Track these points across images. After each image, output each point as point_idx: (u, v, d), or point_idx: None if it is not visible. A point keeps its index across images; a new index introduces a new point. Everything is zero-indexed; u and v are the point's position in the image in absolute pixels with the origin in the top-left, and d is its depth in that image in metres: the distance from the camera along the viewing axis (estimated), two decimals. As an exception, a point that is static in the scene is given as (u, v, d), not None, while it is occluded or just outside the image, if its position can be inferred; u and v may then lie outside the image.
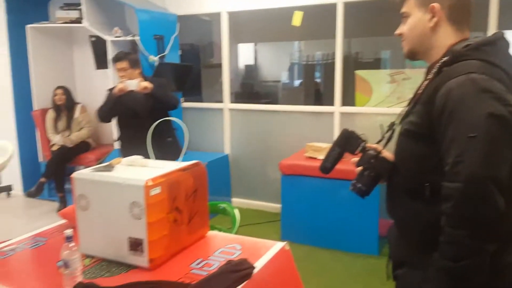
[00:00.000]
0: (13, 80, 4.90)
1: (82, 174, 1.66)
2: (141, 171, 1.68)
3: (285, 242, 1.76)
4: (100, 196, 1.62)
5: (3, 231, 3.55)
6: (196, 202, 1.80)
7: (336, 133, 4.04)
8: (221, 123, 4.61)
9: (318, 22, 4.28)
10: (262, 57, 5.43)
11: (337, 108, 4.03)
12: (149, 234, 1.55)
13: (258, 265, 1.58)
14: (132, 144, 2.81)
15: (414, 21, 1.34)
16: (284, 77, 5.28)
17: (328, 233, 3.47)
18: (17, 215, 4.58)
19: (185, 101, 4.73)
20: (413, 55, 1.41)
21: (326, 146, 3.58)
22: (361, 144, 1.49)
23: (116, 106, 3.31)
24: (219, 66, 4.66)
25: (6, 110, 4.97)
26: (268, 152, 4.43)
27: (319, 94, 4.85)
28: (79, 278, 1.44)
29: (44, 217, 4.36)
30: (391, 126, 1.47)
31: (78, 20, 4.59)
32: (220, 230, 2.34)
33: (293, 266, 1.75)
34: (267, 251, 1.70)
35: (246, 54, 5.35)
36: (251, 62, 5.33)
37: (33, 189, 4.56)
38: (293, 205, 3.61)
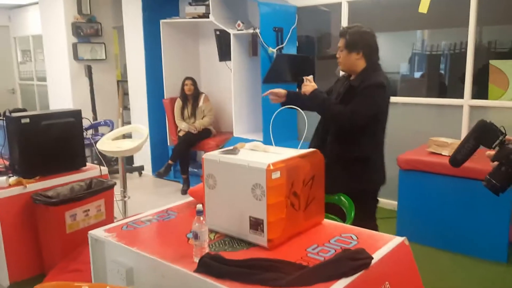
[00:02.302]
0: (146, 71, 5.45)
1: (211, 156, 1.79)
2: (263, 155, 1.76)
3: (404, 237, 1.70)
4: (226, 177, 1.73)
5: (136, 206, 4.02)
6: (313, 189, 1.83)
7: (464, 128, 3.73)
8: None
9: (446, 9, 3.97)
10: (380, 48, 5.22)
11: (467, 101, 3.71)
12: (269, 215, 1.62)
13: (376, 257, 1.55)
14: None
15: None
16: (404, 68, 5.01)
17: (450, 235, 3.23)
18: (147, 192, 5.10)
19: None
20: None
21: (452, 141, 3.33)
22: (500, 137, 1.36)
23: None
24: (334, 57, 4.60)
25: (141, 98, 5.56)
26: (386, 146, 4.25)
27: (444, 87, 4.51)
28: (206, 250, 1.57)
29: (170, 196, 4.79)
30: None
31: (205, 15, 4.91)
32: (334, 219, 2.34)
33: (413, 262, 1.68)
34: (385, 244, 1.66)
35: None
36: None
37: (161, 170, 5.04)
38: (411, 202, 3.43)
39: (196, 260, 1.53)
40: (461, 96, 3.74)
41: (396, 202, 3.61)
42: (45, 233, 2.85)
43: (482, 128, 1.42)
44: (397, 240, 1.69)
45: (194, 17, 5.06)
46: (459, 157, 1.45)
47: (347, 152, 2.55)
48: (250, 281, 1.42)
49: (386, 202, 4.20)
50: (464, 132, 3.73)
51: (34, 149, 2.95)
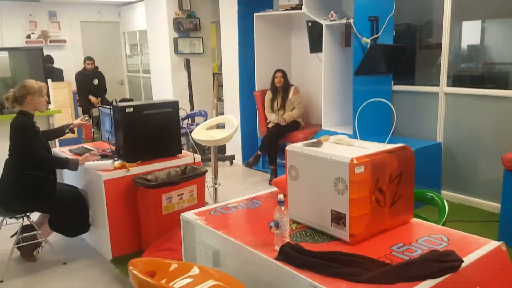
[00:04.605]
0: (239, 64, 5.61)
1: (294, 148, 1.81)
2: (347, 149, 1.73)
3: (501, 242, 1.56)
4: (309, 169, 1.74)
5: (225, 193, 4.19)
6: (400, 186, 1.76)
7: None
8: (435, 108, 4.28)
9: None
10: (490, 36, 4.77)
11: None
12: (351, 210, 1.60)
13: (467, 260, 1.45)
14: None
15: None
16: (516, 59, 4.53)
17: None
18: (236, 180, 5.29)
19: (396, 83, 4.57)
20: None
21: None
22: None
23: None
24: (437, 46, 4.31)
25: (234, 90, 5.75)
26: (489, 143, 3.91)
27: None
28: (287, 239, 1.60)
29: (257, 185, 4.92)
30: None
31: (298, 7, 4.90)
32: (425, 220, 2.22)
33: (510, 269, 1.54)
34: (478, 248, 1.54)
35: (469, 33, 4.79)
36: (474, 41, 4.75)
37: (250, 160, 5.18)
38: (517, 205, 3.12)
39: (277, 248, 1.57)
40: None
41: (499, 205, 3.31)
42: (144, 213, 3.11)
43: None
44: (493, 244, 1.56)
45: (287, 9, 5.08)
46: None
47: None
48: (329, 273, 1.42)
49: (488, 204, 3.87)
50: None
51: (136, 136, 3.22)
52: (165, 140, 3.41)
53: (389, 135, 1.90)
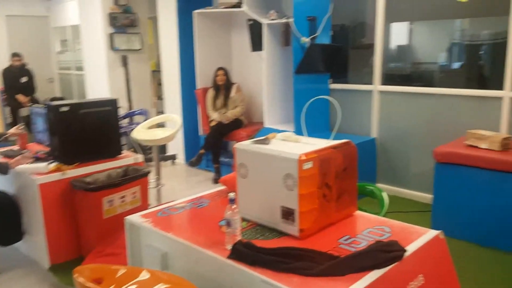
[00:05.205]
0: (180, 61, 5.52)
1: (243, 145, 1.81)
2: (295, 146, 1.77)
3: (440, 231, 1.67)
4: (258, 166, 1.75)
5: (169, 193, 4.11)
6: (345, 180, 1.82)
7: (504, 120, 3.59)
8: (370, 106, 4.49)
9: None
10: (417, 37, 5.07)
11: (508, 92, 3.57)
12: (300, 205, 1.63)
13: (410, 249, 1.53)
14: None
15: None
16: (441, 59, 4.86)
17: (488, 230, 3.13)
18: (180, 180, 5.20)
19: (334, 82, 4.72)
20: None
21: (491, 134, 3.22)
22: None
23: None
24: (369, 46, 4.51)
25: (174, 88, 5.65)
26: (420, 138, 4.17)
27: (484, 78, 4.35)
28: (238, 237, 1.60)
29: (201, 185, 4.87)
30: None
31: (238, 5, 4.91)
32: (366, 212, 2.32)
33: (448, 256, 1.66)
34: (419, 237, 1.64)
35: (399, 34, 5.07)
36: (404, 42, 5.04)
37: (193, 159, 5.11)
38: (448, 196, 3.34)
39: (228, 247, 1.56)
40: (501, 87, 3.60)
41: (431, 196, 3.54)
42: (83, 218, 2.97)
43: None
44: (432, 233, 1.67)
45: (227, 7, 5.07)
46: None
47: None
48: (281, 269, 1.44)
49: (421, 195, 4.12)
50: (503, 125, 3.59)
51: (72, 137, 3.06)
52: (104, 140, 3.26)
53: (335, 132, 1.96)
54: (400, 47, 5.04)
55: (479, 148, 3.21)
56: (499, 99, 3.63)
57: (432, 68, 4.62)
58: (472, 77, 4.36)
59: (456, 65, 4.73)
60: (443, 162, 3.32)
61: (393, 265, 1.44)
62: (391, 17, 4.45)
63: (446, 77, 4.73)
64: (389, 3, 4.30)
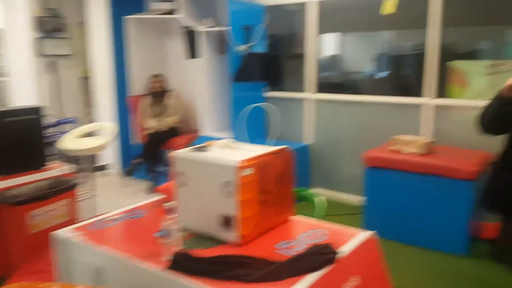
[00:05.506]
0: (112, 68, 5.33)
1: (181, 153, 1.78)
2: (234, 153, 1.77)
3: (373, 232, 1.75)
4: (197, 174, 1.73)
5: (102, 205, 3.93)
6: (283, 185, 1.86)
7: (424, 125, 3.88)
8: (304, 113, 4.63)
9: (411, 11, 4.11)
10: (346, 48, 5.33)
11: (426, 100, 3.86)
12: (240, 211, 1.63)
13: (344, 251, 1.59)
14: None
15: None
16: (369, 68, 5.13)
17: (414, 229, 3.34)
18: (113, 191, 4.99)
19: (270, 90, 4.81)
20: None
21: (412, 139, 3.44)
22: None
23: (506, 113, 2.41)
24: (301, 56, 4.67)
25: (106, 95, 5.44)
26: (351, 143, 4.36)
27: (407, 86, 4.66)
28: (176, 248, 1.56)
29: (136, 195, 4.71)
30: None
31: (171, 12, 4.85)
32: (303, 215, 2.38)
33: (381, 256, 1.74)
34: (352, 238, 1.70)
35: (329, 44, 5.29)
36: (334, 52, 5.27)
37: (128, 169, 4.94)
38: (377, 198, 3.53)
39: (166, 258, 1.53)
40: (419, 95, 3.91)
41: (362, 198, 3.71)
42: (7, 234, 2.75)
43: None
44: (366, 234, 1.74)
45: (161, 14, 4.99)
46: None
47: None
48: (222, 277, 1.43)
49: (352, 198, 4.30)
50: (422, 129, 3.88)
51: (-7, 148, 2.84)
52: (28, 151, 3.06)
53: (274, 138, 1.99)
54: (331, 57, 5.26)
55: (403, 153, 3.42)
56: (418, 105, 3.92)
57: (361, 77, 4.86)
58: (396, 85, 4.64)
59: (382, 74, 5.02)
60: (372, 166, 3.50)
61: (329, 266, 1.49)
62: (322, 28, 4.63)
63: (373, 86, 5.00)
64: (321, 15, 4.48)
